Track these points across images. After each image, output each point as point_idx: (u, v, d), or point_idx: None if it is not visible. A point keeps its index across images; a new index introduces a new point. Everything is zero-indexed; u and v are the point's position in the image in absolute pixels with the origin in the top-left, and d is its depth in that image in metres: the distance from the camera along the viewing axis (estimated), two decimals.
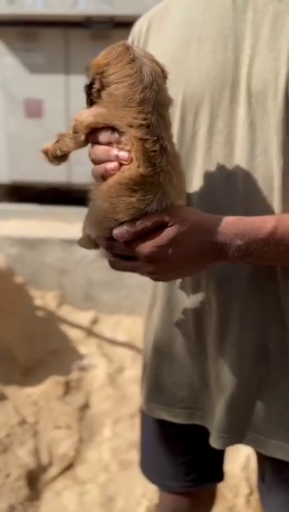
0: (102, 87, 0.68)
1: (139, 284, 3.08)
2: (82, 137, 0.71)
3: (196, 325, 0.87)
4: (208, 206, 0.78)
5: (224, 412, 0.86)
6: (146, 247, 0.68)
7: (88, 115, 0.69)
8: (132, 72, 0.66)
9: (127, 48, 0.68)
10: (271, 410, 0.84)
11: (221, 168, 0.79)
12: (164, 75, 0.71)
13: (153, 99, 0.66)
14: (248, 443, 0.87)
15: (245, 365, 0.83)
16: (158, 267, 0.70)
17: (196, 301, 0.86)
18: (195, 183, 0.81)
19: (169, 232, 0.68)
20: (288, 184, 0.76)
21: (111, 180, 0.67)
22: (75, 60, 3.43)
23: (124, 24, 3.56)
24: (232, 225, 0.70)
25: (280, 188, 0.75)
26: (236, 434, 0.87)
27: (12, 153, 3.73)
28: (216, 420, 0.88)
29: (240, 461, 1.87)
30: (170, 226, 0.68)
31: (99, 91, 0.69)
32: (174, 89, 0.81)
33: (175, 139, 0.83)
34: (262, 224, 0.70)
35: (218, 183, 0.79)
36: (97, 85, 0.68)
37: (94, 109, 0.69)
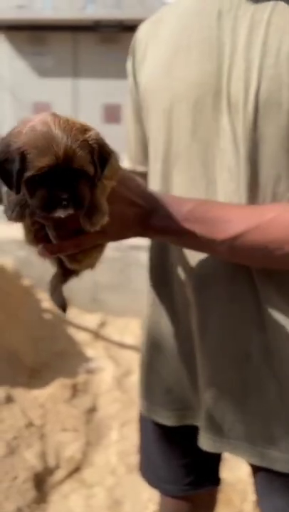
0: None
1: (146, 287, 3.06)
2: None
3: (184, 325, 0.89)
4: None
5: (208, 411, 0.87)
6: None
7: None
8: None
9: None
10: (256, 415, 0.83)
11: (201, 175, 0.80)
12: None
13: None
14: (232, 451, 0.86)
15: (225, 367, 0.84)
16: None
17: (182, 302, 0.87)
18: (177, 190, 0.83)
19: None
20: (254, 196, 0.76)
21: None
22: (83, 63, 3.45)
23: (133, 28, 3.58)
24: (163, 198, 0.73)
25: (247, 198, 0.76)
26: (221, 438, 0.87)
27: None
28: (201, 420, 0.89)
29: (247, 467, 1.86)
30: None
31: None
32: (162, 96, 0.83)
33: (162, 146, 0.84)
34: (183, 202, 0.74)
35: (199, 189, 0.80)
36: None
37: None
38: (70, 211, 0.59)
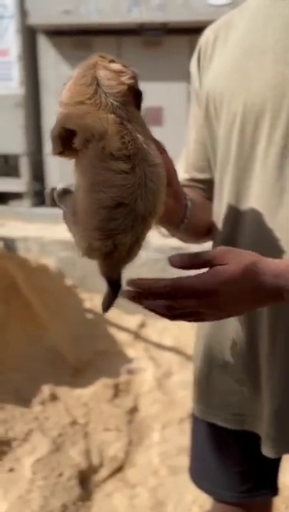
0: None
1: None
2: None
3: (247, 330, 0.88)
4: (264, 215, 0.80)
5: (274, 420, 0.86)
6: (193, 289, 0.64)
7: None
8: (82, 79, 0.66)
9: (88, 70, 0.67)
10: None
11: (276, 179, 0.79)
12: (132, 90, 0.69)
13: (97, 86, 0.66)
14: None
15: None
16: (204, 312, 0.67)
17: None
18: (252, 193, 0.82)
19: (222, 274, 0.65)
20: None
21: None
22: None
23: (176, 31, 3.60)
24: (284, 268, 0.68)
25: None
26: (287, 443, 0.86)
27: (63, 159, 3.81)
28: (266, 428, 0.88)
29: None
30: (222, 265, 0.65)
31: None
32: (235, 99, 0.82)
33: (234, 149, 0.84)
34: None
35: (273, 193, 0.79)
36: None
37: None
38: None
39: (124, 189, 0.63)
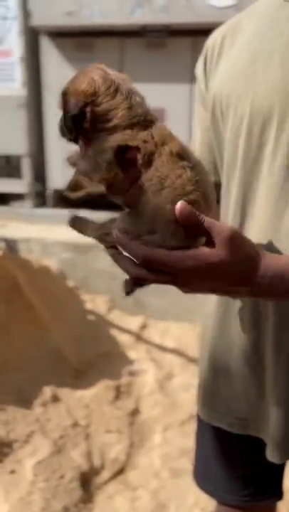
0: (96, 116, 0.67)
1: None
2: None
3: (253, 335, 0.87)
4: (270, 218, 0.79)
5: (281, 424, 0.85)
6: (188, 255, 0.64)
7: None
8: (122, 98, 0.68)
9: (106, 74, 0.70)
10: None
11: (283, 180, 0.79)
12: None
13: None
14: None
15: None
16: (185, 279, 0.66)
17: (254, 311, 0.86)
18: (259, 195, 0.82)
19: (219, 254, 0.65)
20: None
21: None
22: (130, 69, 3.47)
23: (180, 32, 3.60)
24: (273, 266, 0.69)
25: None
26: None
27: (64, 160, 3.81)
28: (271, 433, 0.88)
29: None
30: (212, 249, 0.65)
31: (91, 122, 0.68)
32: (242, 101, 0.81)
33: (241, 151, 0.84)
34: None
35: (280, 195, 0.79)
36: (89, 116, 0.68)
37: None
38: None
39: (200, 182, 0.67)
